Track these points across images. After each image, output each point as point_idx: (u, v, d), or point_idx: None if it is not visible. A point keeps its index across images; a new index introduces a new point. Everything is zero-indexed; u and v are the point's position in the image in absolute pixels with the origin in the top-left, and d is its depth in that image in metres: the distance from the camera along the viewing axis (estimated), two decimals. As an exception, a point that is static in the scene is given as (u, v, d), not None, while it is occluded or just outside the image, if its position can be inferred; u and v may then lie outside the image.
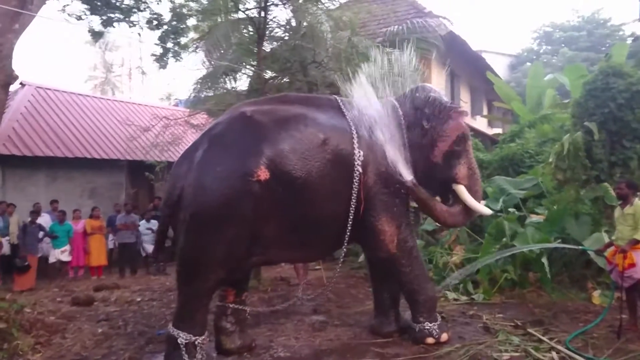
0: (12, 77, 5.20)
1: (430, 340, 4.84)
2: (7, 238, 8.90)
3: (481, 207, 5.16)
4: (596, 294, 6.25)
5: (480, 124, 17.98)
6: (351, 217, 4.66)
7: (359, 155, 4.64)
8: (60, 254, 9.35)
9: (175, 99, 18.07)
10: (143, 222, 10.13)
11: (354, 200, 4.63)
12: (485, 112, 18.83)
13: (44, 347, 5.02)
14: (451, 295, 6.79)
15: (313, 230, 4.67)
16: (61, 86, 13.73)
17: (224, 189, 4.30)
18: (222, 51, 10.25)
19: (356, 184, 4.61)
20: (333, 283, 7.88)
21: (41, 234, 8.84)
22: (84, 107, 13.01)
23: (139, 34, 11.28)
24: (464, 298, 6.70)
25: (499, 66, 25.96)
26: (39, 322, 5.50)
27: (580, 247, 5.95)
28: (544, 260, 6.30)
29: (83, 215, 10.10)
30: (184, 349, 4.34)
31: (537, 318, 5.69)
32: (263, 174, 4.32)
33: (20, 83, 12.36)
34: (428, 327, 4.87)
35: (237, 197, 4.29)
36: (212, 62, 10.16)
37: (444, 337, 4.89)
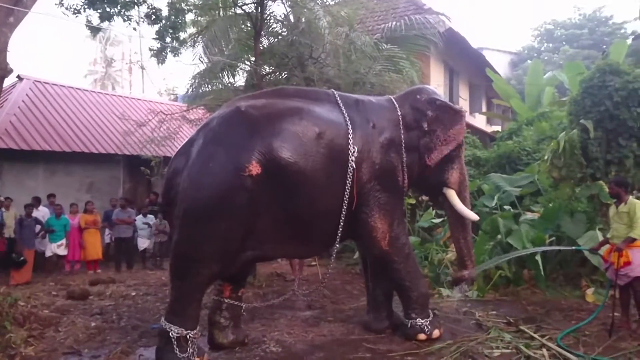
0: (7, 71, 5.19)
1: (422, 336, 4.84)
2: (3, 232, 8.91)
3: (469, 213, 5.18)
4: (590, 291, 6.26)
5: (479, 121, 18.00)
6: (344, 213, 4.66)
7: (354, 151, 4.63)
8: (57, 247, 9.36)
9: (174, 94, 18.10)
10: (139, 217, 10.14)
11: (347, 196, 4.62)
12: (484, 109, 18.82)
13: (37, 340, 5.03)
14: (445, 292, 6.81)
15: (307, 225, 4.67)
16: (60, 80, 13.71)
17: (217, 184, 4.30)
18: (220, 47, 10.28)
19: (350, 179, 4.60)
20: (328, 279, 8.03)
21: (38, 227, 8.84)
22: (82, 101, 12.99)
23: (135, 29, 11.22)
24: (458, 295, 6.70)
25: (500, 64, 25.92)
26: (33, 315, 5.50)
27: (574, 247, 5.94)
28: (538, 258, 6.30)
29: (80, 209, 10.10)
30: (175, 342, 4.34)
31: (530, 315, 5.70)
32: (255, 168, 4.31)
33: (18, 77, 12.38)
34: (420, 324, 4.86)
35: (230, 192, 4.29)
36: (210, 58, 10.18)
37: (436, 333, 4.88)
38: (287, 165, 4.39)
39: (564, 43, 30.59)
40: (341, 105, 4.88)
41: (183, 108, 9.71)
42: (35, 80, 12.53)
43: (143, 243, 10.13)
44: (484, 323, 5.43)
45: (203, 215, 4.31)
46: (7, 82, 12.79)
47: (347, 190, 4.60)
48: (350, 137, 4.65)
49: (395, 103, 5.16)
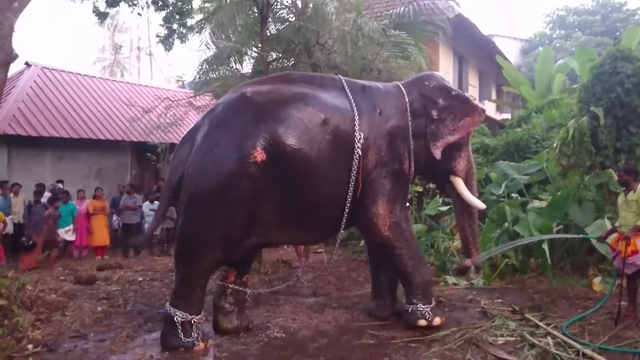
0: (12, 56, 5.19)
1: (422, 322, 4.78)
2: (11, 217, 9.00)
3: (476, 201, 5.14)
4: (597, 280, 6.20)
5: (488, 108, 17.81)
6: (349, 200, 4.63)
7: (360, 137, 4.60)
8: (65, 233, 9.42)
9: (181, 80, 18.04)
10: (146, 203, 10.19)
11: (352, 183, 4.60)
12: (494, 96, 18.64)
13: (44, 324, 5.08)
14: (451, 279, 6.78)
15: (312, 212, 4.66)
16: (67, 67, 13.73)
17: (221, 170, 4.31)
18: (227, 33, 10.21)
19: (355, 166, 4.57)
20: (334, 266, 8.05)
21: (47, 213, 8.89)
22: (90, 88, 13.02)
23: (139, 14, 11.18)
24: (463, 283, 6.68)
25: (511, 51, 25.60)
26: (40, 299, 5.55)
27: (582, 235, 5.87)
28: (545, 246, 6.25)
29: (88, 195, 10.16)
30: (180, 327, 4.39)
31: (535, 304, 5.66)
32: (260, 155, 4.31)
33: (26, 63, 12.43)
34: (421, 309, 4.80)
35: (234, 178, 4.29)
36: (217, 44, 10.13)
37: (437, 321, 4.81)
38: (292, 151, 4.37)
39: (576, 30, 30.12)
40: (347, 91, 4.84)
41: (190, 94, 9.68)
42: (43, 67, 12.56)
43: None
44: (489, 311, 5.41)
45: (207, 201, 4.32)
46: (15, 68, 12.87)
47: (353, 177, 4.58)
48: (357, 124, 4.62)
49: (403, 89, 5.10)
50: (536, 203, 7.18)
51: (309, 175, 4.46)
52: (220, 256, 4.47)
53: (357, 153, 4.58)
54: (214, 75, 10.03)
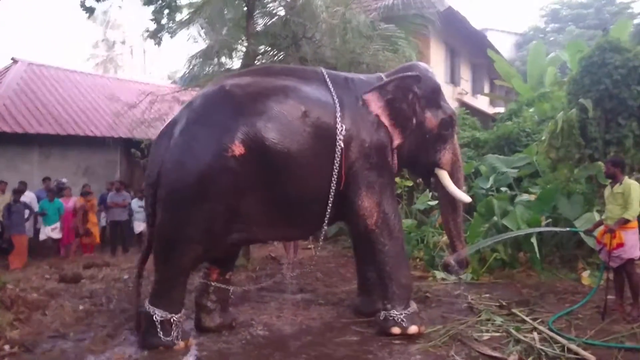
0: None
1: (396, 330, 4.48)
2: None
3: (461, 194, 5.03)
4: (585, 274, 6.16)
5: (481, 102, 17.76)
6: (332, 193, 4.54)
7: (342, 129, 4.50)
8: (51, 231, 9.31)
9: (173, 77, 17.90)
10: (135, 200, 10.07)
11: (335, 176, 4.50)
12: (487, 90, 18.57)
13: (23, 324, 4.98)
14: (439, 275, 6.72)
15: (294, 207, 4.57)
16: (54, 63, 13.58)
17: (199, 165, 4.22)
18: (215, 28, 10.09)
19: (338, 158, 4.48)
20: (323, 262, 7.98)
21: (27, 212, 8.76)
22: (78, 84, 12.87)
23: (119, 7, 11.06)
24: (452, 278, 6.61)
25: (505, 45, 25.53)
26: (21, 298, 5.44)
27: (569, 229, 5.81)
28: (534, 240, 6.19)
29: (76, 193, 10.04)
30: (159, 326, 4.30)
31: (523, 298, 5.62)
32: (238, 149, 4.22)
33: (13, 59, 12.26)
34: (394, 315, 4.51)
35: (213, 173, 4.21)
36: (205, 39, 10.01)
37: (413, 329, 4.48)
38: (271, 145, 4.28)
39: (570, 23, 30.01)
40: (329, 83, 4.74)
41: (177, 89, 9.56)
42: (30, 63, 12.40)
43: (139, 226, 10.04)
44: (476, 306, 5.35)
45: (186, 197, 4.23)
46: (2, 64, 12.73)
47: (336, 170, 4.48)
48: (338, 116, 4.52)
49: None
50: (524, 197, 7.11)
51: (290, 169, 4.37)
52: (201, 253, 4.39)
53: (340, 145, 4.48)
54: (205, 71, 9.94)
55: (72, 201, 9.63)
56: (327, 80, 4.78)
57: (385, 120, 4.70)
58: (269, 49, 9.37)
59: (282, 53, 8.99)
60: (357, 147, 4.61)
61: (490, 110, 18.26)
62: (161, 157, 4.39)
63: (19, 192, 8.81)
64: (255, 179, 4.32)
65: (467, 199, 5.12)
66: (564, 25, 30.35)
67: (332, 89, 4.68)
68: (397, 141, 4.75)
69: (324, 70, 4.96)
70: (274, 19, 9.22)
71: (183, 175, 4.23)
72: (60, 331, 4.87)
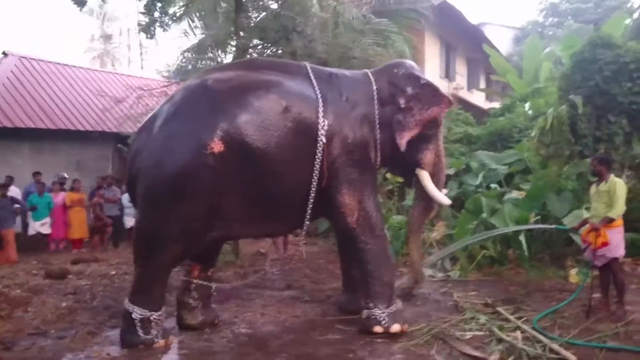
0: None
1: (377, 329, 4.44)
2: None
3: (441, 196, 4.97)
4: (574, 272, 6.11)
5: (477, 98, 17.68)
6: (314, 189, 4.48)
7: (324, 125, 4.43)
8: (40, 226, 9.27)
9: (168, 70, 17.78)
10: (126, 195, 10.00)
11: (316, 172, 4.44)
12: (483, 85, 18.49)
13: (4, 321, 4.93)
14: (427, 272, 6.67)
15: (275, 203, 4.51)
16: (51, 56, 13.50)
17: (178, 162, 4.15)
18: (206, 21, 10.02)
19: (319, 154, 4.42)
20: (312, 258, 7.94)
21: (16, 206, 8.70)
22: (70, 77, 12.79)
23: (103, 1, 10.93)
24: (440, 275, 6.58)
25: (503, 39, 25.43)
26: (3, 295, 5.42)
27: (555, 226, 5.77)
28: (522, 237, 6.15)
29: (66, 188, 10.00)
30: (139, 324, 4.26)
31: (510, 296, 5.58)
32: (217, 146, 4.14)
33: (4, 52, 12.18)
34: (377, 314, 4.47)
35: (191, 170, 4.13)
36: (196, 33, 9.94)
37: (396, 328, 4.45)
38: (251, 141, 4.21)
39: (569, 17, 29.85)
40: (312, 78, 4.67)
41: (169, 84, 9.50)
42: (21, 57, 12.33)
43: (130, 221, 10.00)
44: (461, 304, 5.31)
45: (164, 194, 4.16)
46: (-6, 58, 12.61)
47: (317, 166, 4.42)
48: (321, 111, 4.45)
49: (371, 77, 4.93)
50: (514, 194, 7.06)
51: (271, 165, 4.30)
52: (180, 251, 4.33)
53: (322, 141, 4.42)
54: (197, 65, 9.87)
55: (62, 196, 9.57)
56: (311, 75, 4.71)
57: (371, 112, 4.67)
58: (260, 43, 9.31)
59: (272, 47, 8.93)
60: (339, 143, 4.54)
61: (487, 105, 18.19)
62: (140, 153, 4.34)
63: (5, 186, 8.74)
64: (236, 176, 4.25)
65: (446, 201, 5.05)
66: (563, 19, 30.16)
67: (315, 84, 4.61)
68: (379, 136, 4.69)
69: (308, 65, 4.88)
70: (264, 13, 9.14)
71: (161, 173, 4.16)
72: (41, 328, 4.82)
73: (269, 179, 4.36)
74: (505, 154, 8.04)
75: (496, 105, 18.40)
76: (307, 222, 4.68)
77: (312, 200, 4.50)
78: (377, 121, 4.74)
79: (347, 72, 5.08)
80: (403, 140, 4.72)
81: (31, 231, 9.34)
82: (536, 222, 6.58)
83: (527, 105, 11.17)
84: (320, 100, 4.49)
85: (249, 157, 4.23)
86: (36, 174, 10.04)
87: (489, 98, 18.99)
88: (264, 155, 4.26)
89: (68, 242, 9.72)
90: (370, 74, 4.98)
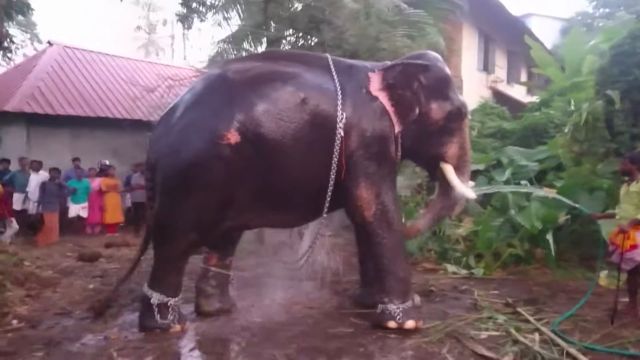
0: (3, 35, 5.21)
1: (391, 324, 4.41)
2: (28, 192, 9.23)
3: (465, 190, 4.85)
4: (603, 274, 5.86)
5: (518, 91, 17.15)
6: (332, 182, 4.46)
7: (342, 117, 4.40)
8: (81, 210, 9.64)
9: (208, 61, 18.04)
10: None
11: (334, 165, 4.42)
12: (524, 78, 17.90)
13: (33, 300, 5.18)
14: (451, 268, 6.57)
15: (289, 195, 4.52)
16: (97, 46, 13.93)
17: (195, 152, 4.22)
18: (239, 12, 10.09)
19: (337, 147, 4.39)
20: (336, 251, 7.91)
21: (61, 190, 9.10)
22: (110, 66, 13.16)
23: None
24: (463, 272, 6.46)
25: (550, 31, 24.46)
26: (34, 275, 5.67)
27: (577, 205, 5.43)
28: (549, 236, 5.95)
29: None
30: (156, 309, 4.38)
31: (532, 297, 5.41)
32: (233, 137, 4.19)
33: (49, 42, 12.64)
34: (391, 309, 4.44)
35: (207, 161, 4.20)
36: (230, 24, 10.04)
37: (410, 324, 4.40)
38: (267, 133, 4.23)
39: (621, 8, 28.47)
40: (332, 69, 4.63)
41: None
42: (65, 46, 12.75)
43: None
44: (480, 303, 5.20)
45: (180, 184, 4.25)
46: (39, 48, 13.12)
47: (335, 159, 4.40)
48: (339, 103, 4.42)
49: None
50: (543, 191, 6.80)
51: (286, 157, 4.31)
52: (195, 239, 4.41)
53: (339, 134, 4.39)
54: (231, 56, 9.97)
55: (97, 181, 9.91)
56: (331, 66, 4.67)
57: (385, 103, 4.57)
58: (290, 34, 9.30)
59: (302, 38, 8.91)
60: (357, 136, 4.49)
61: (528, 99, 17.63)
62: (159, 142, 4.44)
63: (55, 170, 9.17)
64: (251, 167, 4.28)
65: (472, 195, 4.94)
66: (614, 10, 28.75)
67: (335, 76, 4.58)
68: (397, 129, 4.61)
69: (329, 57, 4.85)
70: (295, 4, 9.13)
71: (178, 163, 4.24)
72: (67, 309, 5.04)
73: (284, 170, 4.37)
74: (537, 150, 7.76)
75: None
76: (324, 215, 4.68)
77: (329, 193, 4.48)
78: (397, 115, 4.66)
79: (367, 64, 5.01)
80: (424, 134, 4.68)
81: (71, 214, 9.71)
82: (566, 221, 6.36)
83: (569, 100, 10.74)
84: (339, 93, 4.45)
85: (265, 148, 4.25)
86: (75, 159, 10.43)
87: (530, 92, 18.38)
88: (279, 147, 4.27)
89: (103, 226, 10.05)
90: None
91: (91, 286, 5.74)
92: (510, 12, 14.13)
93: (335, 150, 4.38)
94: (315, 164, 4.43)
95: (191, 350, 4.08)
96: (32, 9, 11.05)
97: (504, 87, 15.66)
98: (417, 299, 5.15)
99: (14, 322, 4.64)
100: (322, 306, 5.23)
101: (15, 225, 8.06)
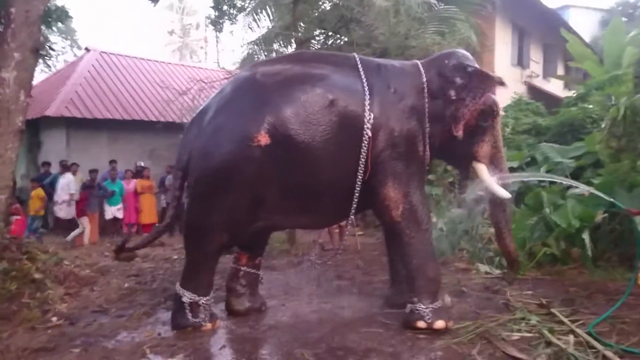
0: (40, 43, 5.42)
1: (421, 324, 4.37)
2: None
3: (498, 189, 4.73)
4: (644, 274, 5.64)
5: (554, 86, 16.69)
6: (359, 182, 4.47)
7: (369, 118, 4.40)
8: (117, 211, 9.92)
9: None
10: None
11: (362, 166, 4.42)
12: (561, 72, 17.41)
13: (72, 298, 5.38)
14: (483, 268, 6.46)
15: (318, 196, 4.55)
16: (131, 51, 14.32)
17: (225, 154, 4.30)
18: (269, 13, 10.20)
19: (365, 148, 4.39)
20: (366, 250, 7.93)
21: (100, 192, 9.40)
22: (145, 71, 13.52)
23: None
24: (496, 272, 6.34)
25: (589, 23, 23.74)
26: (73, 274, 5.88)
27: (613, 200, 5.22)
28: (585, 235, 5.77)
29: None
30: (188, 307, 4.48)
31: (568, 297, 5.25)
32: (264, 138, 4.24)
33: (86, 48, 13.07)
34: (420, 309, 4.40)
35: (238, 162, 4.27)
36: (260, 25, 10.15)
37: (440, 324, 4.35)
38: (296, 135, 4.26)
39: (665, -3, 27.41)
40: (361, 69, 4.63)
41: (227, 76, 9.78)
42: (102, 52, 13.15)
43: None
44: (513, 303, 5.09)
45: (211, 185, 4.34)
46: (78, 54, 13.57)
47: (363, 159, 4.40)
48: (367, 104, 4.41)
49: (421, 68, 4.80)
50: (577, 190, 6.59)
51: (315, 159, 4.33)
52: (226, 240, 4.49)
53: (367, 134, 4.39)
54: (263, 57, 10.09)
55: (133, 183, 10.19)
56: (359, 66, 4.67)
57: (421, 102, 4.55)
58: (321, 33, 9.34)
59: (331, 38, 8.94)
60: (385, 136, 4.48)
61: (565, 94, 17.15)
62: (191, 144, 4.54)
63: (94, 172, 9.50)
64: (280, 169, 4.33)
65: (505, 194, 4.82)
66: (658, -1, 27.77)
67: (363, 76, 4.57)
68: (427, 128, 4.57)
69: (357, 56, 4.85)
70: (324, 4, 9.16)
71: (209, 164, 4.33)
72: (104, 307, 5.21)
73: (313, 172, 4.39)
74: (572, 147, 7.52)
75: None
76: (352, 216, 4.69)
77: (357, 194, 4.49)
78: (427, 114, 4.63)
79: (395, 63, 4.98)
80: (459, 132, 4.57)
81: (107, 216, 10.02)
82: (604, 220, 6.15)
83: (608, 94, 10.37)
84: (367, 93, 4.45)
85: (294, 150, 4.28)
86: (112, 162, 10.75)
87: (567, 86, 17.86)
88: (308, 149, 4.29)
89: (139, 227, 10.32)
90: (420, 65, 4.86)
91: (127, 285, 5.91)
92: (545, 5, 13.77)
93: (362, 150, 4.39)
94: (343, 164, 4.44)
95: (221, 348, 4.14)
96: (70, 17, 11.46)
97: (539, 82, 15.27)
98: (448, 299, 5.10)
99: (54, 319, 4.82)
100: (353, 306, 5.22)
101: (82, 226, 8.40)
